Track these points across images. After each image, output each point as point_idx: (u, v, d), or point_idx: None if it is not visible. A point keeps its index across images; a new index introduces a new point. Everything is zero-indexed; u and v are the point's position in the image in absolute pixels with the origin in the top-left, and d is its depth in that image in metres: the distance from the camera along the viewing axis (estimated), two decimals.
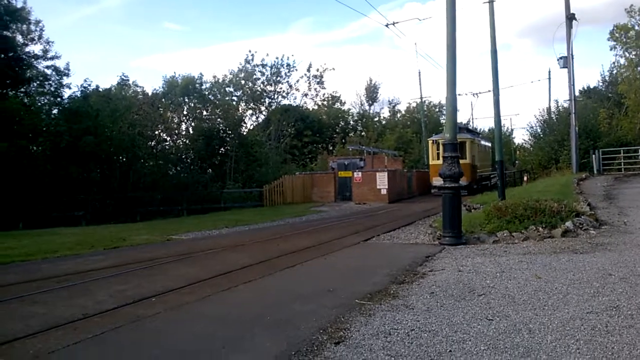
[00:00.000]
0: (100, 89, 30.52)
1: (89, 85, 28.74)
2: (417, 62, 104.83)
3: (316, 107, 56.09)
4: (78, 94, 28.06)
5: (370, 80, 61.86)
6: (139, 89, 37.39)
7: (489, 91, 18.43)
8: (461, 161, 11.87)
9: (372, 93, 61.46)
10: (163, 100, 36.24)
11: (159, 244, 12.74)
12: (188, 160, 34.47)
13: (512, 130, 67.21)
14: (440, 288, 6.07)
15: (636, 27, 35.72)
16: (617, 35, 36.57)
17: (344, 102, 60.27)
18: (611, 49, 37.48)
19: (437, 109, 59.70)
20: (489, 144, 38.48)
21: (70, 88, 28.34)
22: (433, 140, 31.28)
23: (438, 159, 28.90)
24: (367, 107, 61.57)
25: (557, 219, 10.16)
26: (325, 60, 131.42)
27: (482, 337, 4.24)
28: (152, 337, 4.88)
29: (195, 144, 34.13)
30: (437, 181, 28.01)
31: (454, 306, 5.24)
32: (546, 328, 4.39)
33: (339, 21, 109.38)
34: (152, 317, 5.46)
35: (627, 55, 36.87)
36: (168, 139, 35.72)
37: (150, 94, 37.08)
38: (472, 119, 58.40)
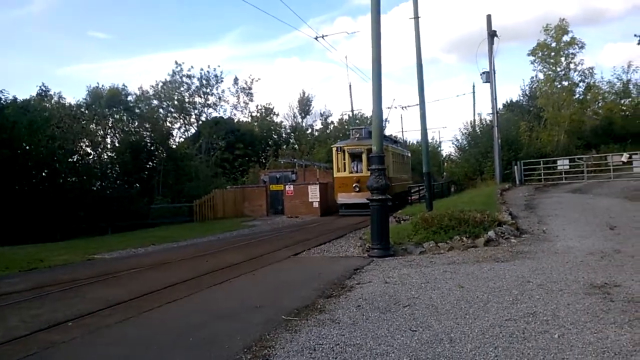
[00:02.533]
0: (19, 100, 28.83)
1: (6, 97, 27.13)
2: (348, 75, 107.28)
3: (248, 120, 55.62)
4: None
5: (303, 93, 61.95)
6: (61, 100, 35.67)
7: (417, 105, 18.72)
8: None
9: (305, 106, 61.64)
10: (86, 112, 34.67)
11: (79, 264, 12.12)
12: (114, 175, 33.15)
13: (440, 142, 69.50)
14: (366, 301, 6.11)
15: (553, 44, 37.99)
16: (537, 51, 38.72)
17: (277, 114, 60.19)
18: (532, 63, 39.68)
19: (368, 121, 60.65)
20: (408, 153, 35.55)
21: None
22: (337, 148, 25.75)
23: (345, 170, 25.08)
24: (300, 120, 61.76)
25: (481, 228, 10.50)
26: (257, 72, 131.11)
27: (405, 349, 4.28)
28: None
29: (121, 157, 32.88)
30: (343, 198, 24.46)
31: (379, 318, 5.28)
32: (467, 337, 4.49)
33: (269, 34, 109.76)
34: (68, 342, 5.19)
35: (545, 70, 39.18)
36: (92, 152, 34.21)
37: (73, 105, 35.44)
38: (403, 131, 59.97)
